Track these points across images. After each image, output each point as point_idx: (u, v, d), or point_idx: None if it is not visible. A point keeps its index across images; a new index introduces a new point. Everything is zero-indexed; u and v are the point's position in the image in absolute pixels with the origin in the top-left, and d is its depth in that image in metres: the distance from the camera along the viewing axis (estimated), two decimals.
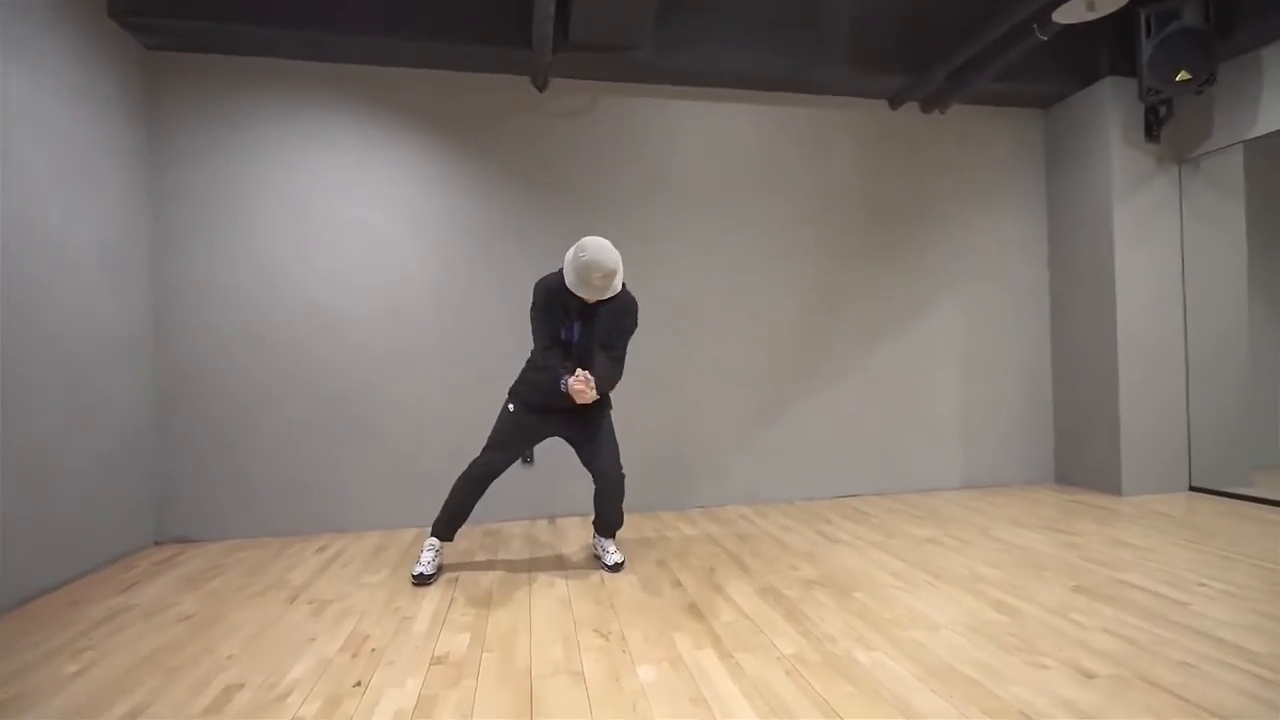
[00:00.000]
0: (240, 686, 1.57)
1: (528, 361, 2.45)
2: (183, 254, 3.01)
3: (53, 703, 1.52)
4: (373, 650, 1.76)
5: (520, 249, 3.33)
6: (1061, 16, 2.62)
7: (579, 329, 2.32)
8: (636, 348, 3.41)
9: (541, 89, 3.31)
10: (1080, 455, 3.76)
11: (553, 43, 2.95)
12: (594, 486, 2.43)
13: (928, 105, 3.76)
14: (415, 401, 3.19)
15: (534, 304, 2.33)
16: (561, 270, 2.27)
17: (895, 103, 3.73)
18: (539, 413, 2.39)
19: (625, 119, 3.45)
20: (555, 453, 3.16)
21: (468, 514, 2.43)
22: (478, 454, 2.41)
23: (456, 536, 2.56)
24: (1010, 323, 3.91)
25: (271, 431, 3.06)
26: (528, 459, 3.27)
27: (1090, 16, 2.56)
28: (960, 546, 2.64)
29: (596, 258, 2.13)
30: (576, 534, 2.96)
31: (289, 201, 3.10)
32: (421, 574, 2.29)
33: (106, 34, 2.68)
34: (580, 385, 2.24)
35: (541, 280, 2.33)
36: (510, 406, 2.42)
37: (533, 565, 2.51)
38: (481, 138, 3.30)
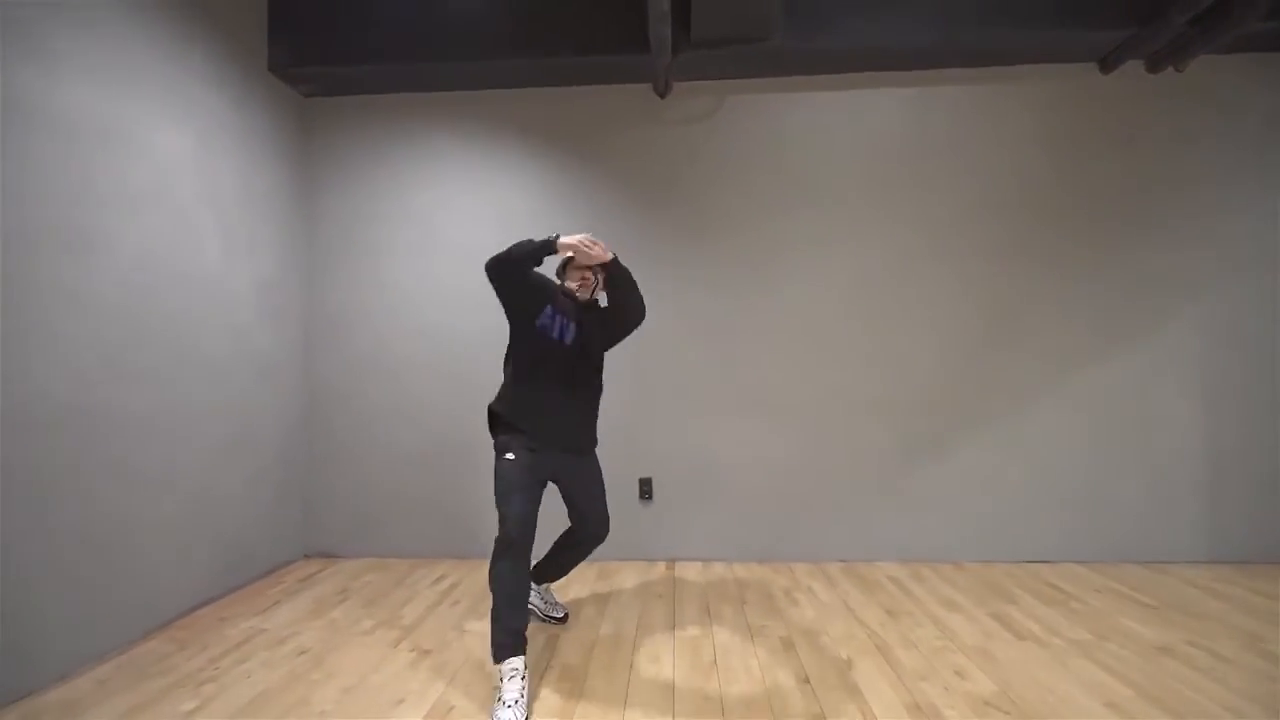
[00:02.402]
0: None
1: (500, 391, 2.06)
2: (328, 284, 3.20)
3: None
4: None
5: (645, 269, 3.09)
6: None
7: (573, 330, 2.00)
8: (753, 371, 3.03)
9: (663, 95, 3.06)
10: None
11: (673, 43, 2.69)
12: (571, 533, 2.13)
13: (1156, 63, 2.90)
14: None
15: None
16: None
17: (1109, 64, 2.92)
18: (536, 449, 1.93)
19: (755, 118, 3.08)
20: (671, 489, 2.90)
21: (526, 601, 1.87)
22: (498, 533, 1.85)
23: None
24: (1262, 341, 2.89)
25: (403, 453, 3.14)
26: (648, 496, 3.03)
27: None
28: (1210, 668, 1.91)
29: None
30: (694, 586, 2.66)
31: (420, 227, 3.18)
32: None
33: (266, 86, 2.91)
34: (582, 238, 1.84)
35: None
36: (509, 456, 1.91)
37: (640, 626, 2.25)
38: (603, 151, 3.13)
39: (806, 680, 1.85)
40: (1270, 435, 2.88)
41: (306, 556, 3.14)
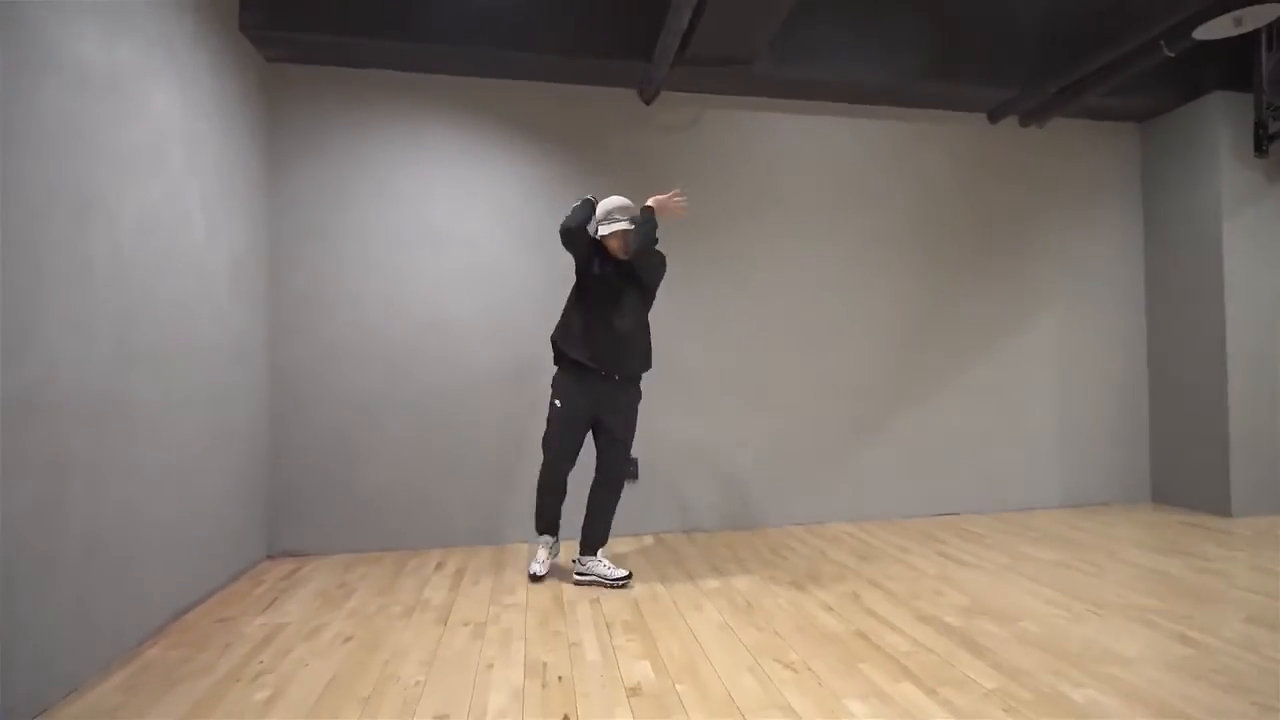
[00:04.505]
0: (447, 717, 1.54)
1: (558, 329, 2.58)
2: (295, 265, 3.00)
3: None
4: (559, 678, 1.73)
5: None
6: (1205, 33, 2.57)
7: (617, 271, 2.52)
8: (733, 362, 3.39)
9: (650, 101, 3.30)
10: (1181, 475, 3.69)
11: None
12: (595, 477, 2.55)
13: (1027, 119, 3.72)
14: (521, 416, 3.16)
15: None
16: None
17: (995, 116, 3.69)
18: (583, 393, 2.48)
19: (730, 133, 3.43)
20: (657, 468, 3.15)
21: (557, 515, 2.61)
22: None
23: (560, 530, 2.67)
24: (1104, 339, 3.85)
25: (379, 443, 3.04)
26: (633, 475, 3.24)
27: (1237, 31, 2.51)
28: (1096, 571, 2.58)
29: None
30: (691, 551, 2.92)
31: (400, 212, 3.10)
32: (535, 574, 2.52)
33: (236, 48, 2.68)
34: (668, 199, 2.50)
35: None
36: (557, 403, 2.52)
37: (670, 586, 2.47)
38: (588, 151, 3.28)
39: (830, 609, 2.20)
40: (1105, 412, 3.81)
41: (270, 557, 2.91)
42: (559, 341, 2.54)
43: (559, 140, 3.25)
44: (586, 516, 2.55)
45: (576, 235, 2.44)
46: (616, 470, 2.56)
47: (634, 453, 3.24)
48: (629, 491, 3.23)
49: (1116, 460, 3.83)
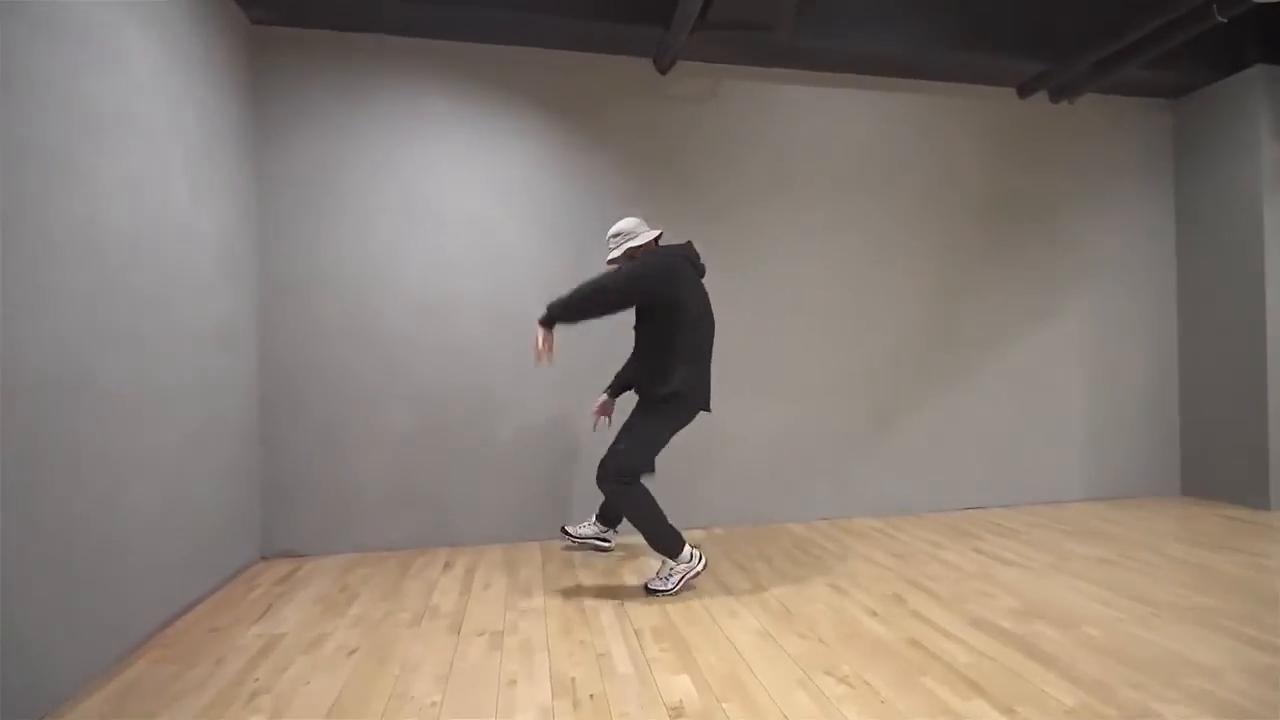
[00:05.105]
0: None
1: None
2: (287, 243, 2.79)
3: None
4: (591, 696, 1.56)
5: None
6: None
7: None
8: (746, 349, 3.20)
9: (665, 71, 3.09)
10: (1214, 467, 3.56)
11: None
12: None
13: (1057, 94, 3.54)
14: (526, 400, 2.98)
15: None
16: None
17: (1025, 91, 3.51)
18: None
19: (748, 105, 3.23)
20: (672, 462, 2.99)
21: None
22: (605, 456, 2.30)
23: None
24: (1133, 326, 3.71)
25: (378, 435, 2.85)
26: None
27: None
28: (1146, 568, 2.44)
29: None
30: (715, 549, 2.75)
31: (398, 188, 2.88)
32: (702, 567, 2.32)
33: (217, 5, 2.45)
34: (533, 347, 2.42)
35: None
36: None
37: (698, 588, 2.30)
38: (598, 123, 3.08)
39: (875, 613, 2.04)
40: (1133, 403, 3.67)
41: (264, 558, 2.72)
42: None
43: (568, 111, 3.05)
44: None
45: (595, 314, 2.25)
46: (608, 463, 2.26)
47: None
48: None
49: (1146, 451, 3.70)
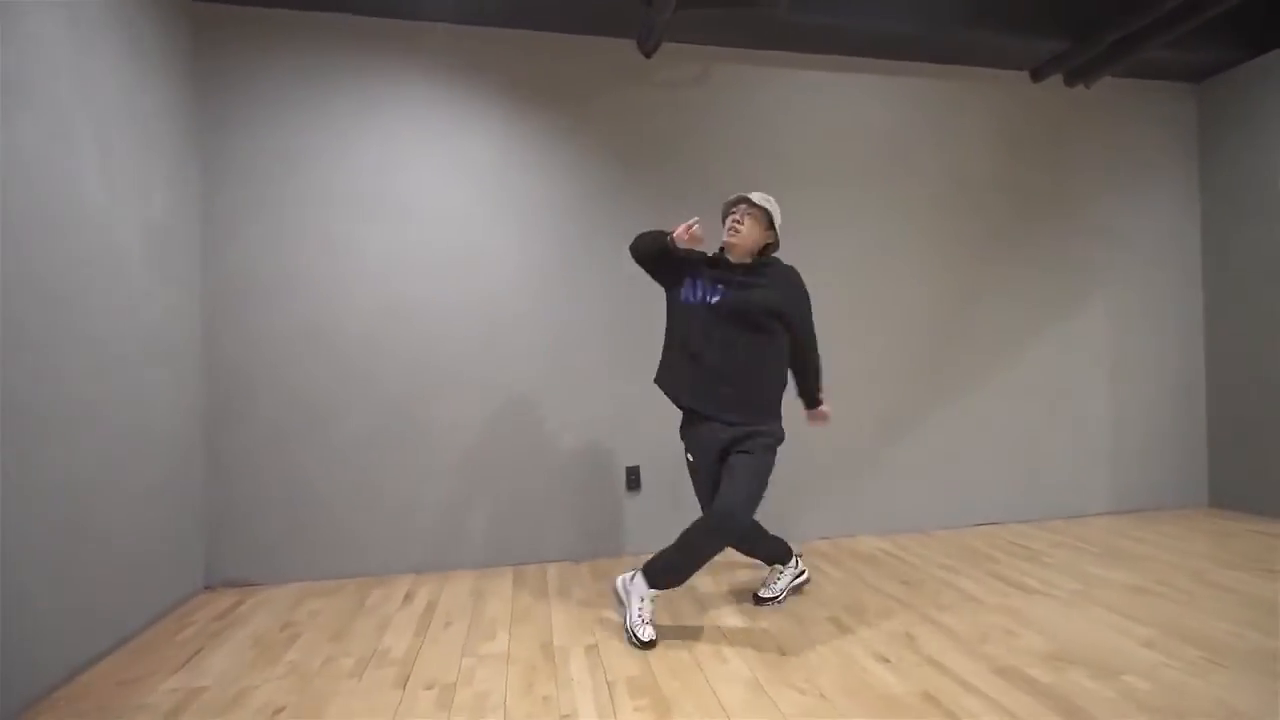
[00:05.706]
0: None
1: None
2: (237, 240, 2.54)
3: None
4: None
5: (619, 237, 2.85)
6: None
7: (719, 292, 2.01)
8: None
9: (649, 54, 2.84)
10: (1246, 477, 3.29)
11: None
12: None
13: (1073, 77, 3.29)
14: (500, 412, 2.72)
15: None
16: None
17: (1039, 74, 3.25)
18: (704, 435, 2.02)
19: (740, 90, 2.98)
20: (661, 477, 2.73)
21: (769, 545, 2.20)
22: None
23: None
24: (1157, 324, 3.45)
25: (337, 450, 2.59)
26: (633, 486, 2.81)
27: None
28: (1186, 599, 2.18)
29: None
30: (708, 573, 2.50)
31: (354, 178, 2.64)
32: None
33: None
34: (691, 226, 1.94)
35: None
36: (689, 457, 2.11)
37: (683, 624, 2.04)
38: (576, 109, 2.83)
39: (885, 659, 1.79)
40: (1158, 406, 3.41)
41: (208, 588, 2.47)
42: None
43: (546, 96, 2.80)
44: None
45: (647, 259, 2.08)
46: (720, 507, 1.92)
47: (634, 461, 2.83)
48: (629, 505, 2.82)
49: (1171, 458, 3.44)
